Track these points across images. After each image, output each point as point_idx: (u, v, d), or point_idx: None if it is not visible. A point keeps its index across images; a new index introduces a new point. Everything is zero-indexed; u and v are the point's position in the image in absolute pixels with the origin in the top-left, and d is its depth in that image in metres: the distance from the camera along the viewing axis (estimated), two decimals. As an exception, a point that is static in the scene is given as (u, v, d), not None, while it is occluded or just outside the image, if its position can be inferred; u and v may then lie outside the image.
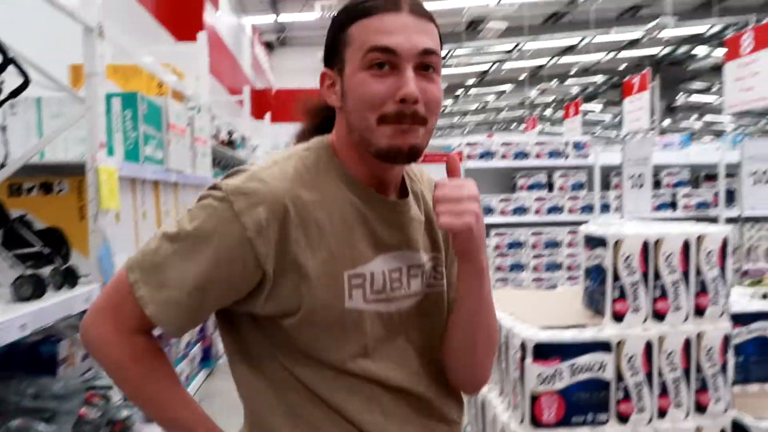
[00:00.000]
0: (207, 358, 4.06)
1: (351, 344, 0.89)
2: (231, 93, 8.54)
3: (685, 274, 1.58)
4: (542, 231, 4.65)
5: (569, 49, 15.96)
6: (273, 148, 10.69)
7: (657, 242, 1.57)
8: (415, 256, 0.96)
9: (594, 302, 1.68)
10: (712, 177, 4.88)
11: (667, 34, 11.62)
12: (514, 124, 26.48)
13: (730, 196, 4.64)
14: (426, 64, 0.86)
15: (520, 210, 4.62)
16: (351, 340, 0.89)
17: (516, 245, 4.64)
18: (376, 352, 0.91)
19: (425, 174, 1.07)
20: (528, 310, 1.74)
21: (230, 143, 4.66)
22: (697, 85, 19.23)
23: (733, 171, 4.55)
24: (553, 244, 4.66)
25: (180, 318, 0.87)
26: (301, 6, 11.79)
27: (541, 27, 13.89)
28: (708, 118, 23.43)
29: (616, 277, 1.57)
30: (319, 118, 1.00)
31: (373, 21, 0.86)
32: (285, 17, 13.42)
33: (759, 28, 5.25)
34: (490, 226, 4.39)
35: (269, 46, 14.34)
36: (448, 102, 21.92)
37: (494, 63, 17.11)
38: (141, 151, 2.21)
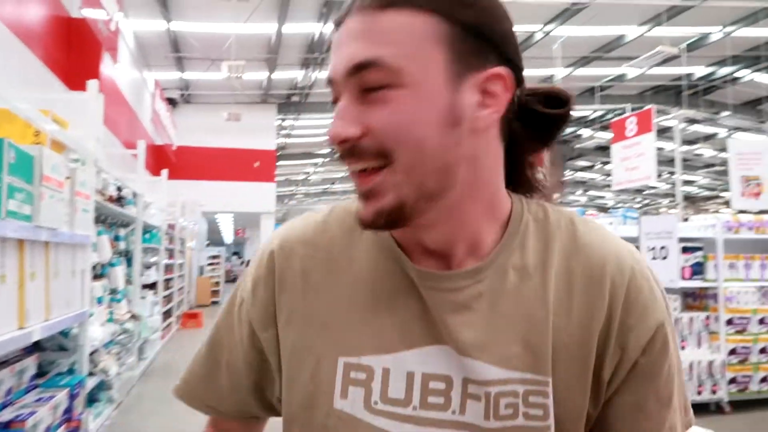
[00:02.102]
0: (75, 443, 3.52)
1: None
2: (127, 147, 8.08)
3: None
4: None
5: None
6: (169, 206, 10.19)
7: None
8: (481, 366, 0.60)
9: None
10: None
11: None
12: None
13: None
14: (362, 86, 0.57)
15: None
16: None
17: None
18: None
19: (587, 244, 0.66)
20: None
21: (119, 199, 4.30)
22: (581, 162, 20.92)
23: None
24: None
25: None
26: (207, 65, 11.60)
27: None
28: (591, 192, 25.44)
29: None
30: None
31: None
32: (190, 75, 13.16)
33: (641, 114, 5.75)
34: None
35: (172, 102, 13.92)
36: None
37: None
38: (3, 205, 1.90)
